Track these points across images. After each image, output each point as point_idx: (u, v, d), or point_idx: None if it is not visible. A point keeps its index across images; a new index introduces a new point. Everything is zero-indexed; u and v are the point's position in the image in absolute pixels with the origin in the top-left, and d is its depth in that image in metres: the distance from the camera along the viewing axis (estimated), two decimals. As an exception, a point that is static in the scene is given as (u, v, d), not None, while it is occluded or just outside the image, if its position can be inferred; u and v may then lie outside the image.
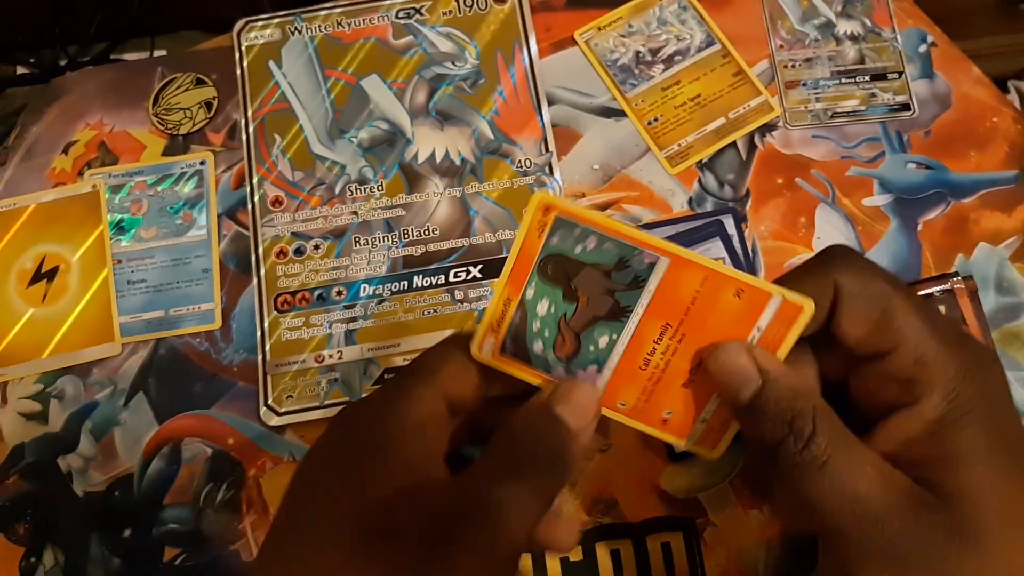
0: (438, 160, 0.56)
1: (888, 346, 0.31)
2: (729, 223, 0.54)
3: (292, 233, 0.55)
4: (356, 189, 0.56)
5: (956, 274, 0.52)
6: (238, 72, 0.59)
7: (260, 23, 0.60)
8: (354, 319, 0.53)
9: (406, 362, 0.52)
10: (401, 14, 0.60)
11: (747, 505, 0.49)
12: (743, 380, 0.31)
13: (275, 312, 0.54)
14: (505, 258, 0.52)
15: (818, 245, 0.54)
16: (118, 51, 0.79)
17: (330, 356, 0.53)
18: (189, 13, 0.80)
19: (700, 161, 0.56)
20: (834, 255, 0.33)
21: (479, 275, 0.54)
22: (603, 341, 0.34)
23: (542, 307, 0.34)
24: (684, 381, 0.35)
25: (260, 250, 0.55)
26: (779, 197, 0.55)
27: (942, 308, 0.50)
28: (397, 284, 0.54)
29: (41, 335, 0.55)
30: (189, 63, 0.61)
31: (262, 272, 0.55)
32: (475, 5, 0.60)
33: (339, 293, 0.54)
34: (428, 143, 0.57)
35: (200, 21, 0.79)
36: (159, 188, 0.57)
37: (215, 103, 0.59)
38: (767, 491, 0.35)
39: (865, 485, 0.29)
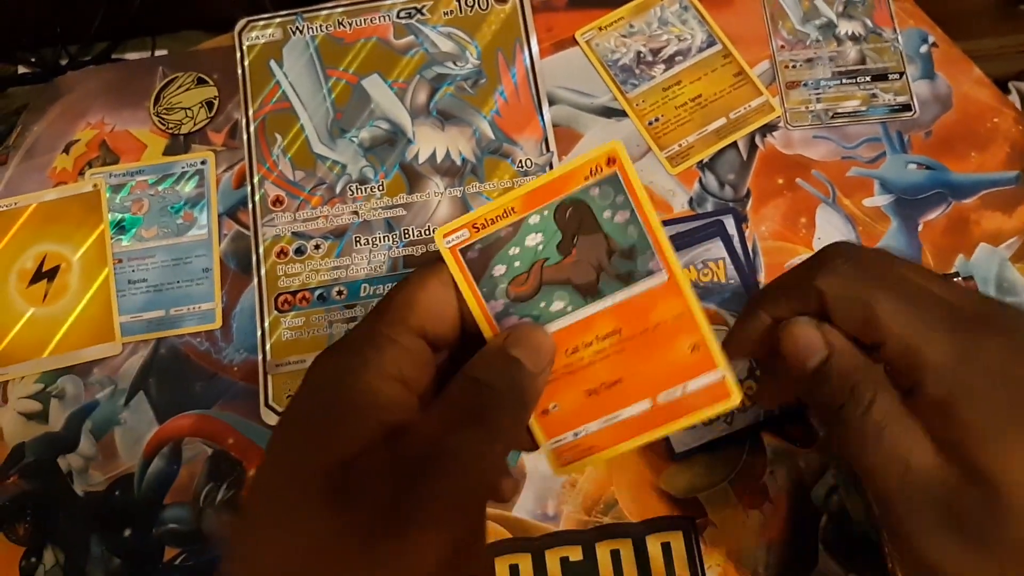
0: (439, 160, 0.56)
1: (878, 340, 0.32)
2: (730, 223, 0.53)
3: (293, 233, 0.55)
4: (357, 189, 0.56)
5: (956, 275, 0.52)
6: (239, 72, 0.59)
7: (261, 23, 0.60)
8: (355, 319, 0.53)
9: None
10: (402, 14, 0.60)
11: (747, 505, 0.49)
12: (812, 349, 0.33)
13: (276, 312, 0.54)
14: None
15: (818, 245, 0.54)
16: (119, 51, 0.79)
17: (330, 356, 0.53)
18: (190, 13, 0.80)
19: (701, 161, 0.56)
20: (821, 262, 0.34)
21: (480, 275, 0.54)
22: (557, 305, 0.34)
23: (532, 239, 0.33)
24: (591, 388, 0.34)
25: (261, 250, 0.55)
26: (780, 197, 0.55)
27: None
28: (398, 284, 0.54)
29: (42, 334, 0.55)
30: (190, 63, 0.61)
31: (263, 272, 0.55)
32: (476, 5, 0.60)
33: (340, 293, 0.54)
34: (429, 143, 0.57)
35: (202, 21, 0.79)
36: (160, 187, 0.57)
37: (216, 102, 0.59)
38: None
39: (918, 455, 0.30)
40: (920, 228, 0.54)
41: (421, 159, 0.57)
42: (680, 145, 0.56)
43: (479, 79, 0.58)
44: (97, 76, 0.62)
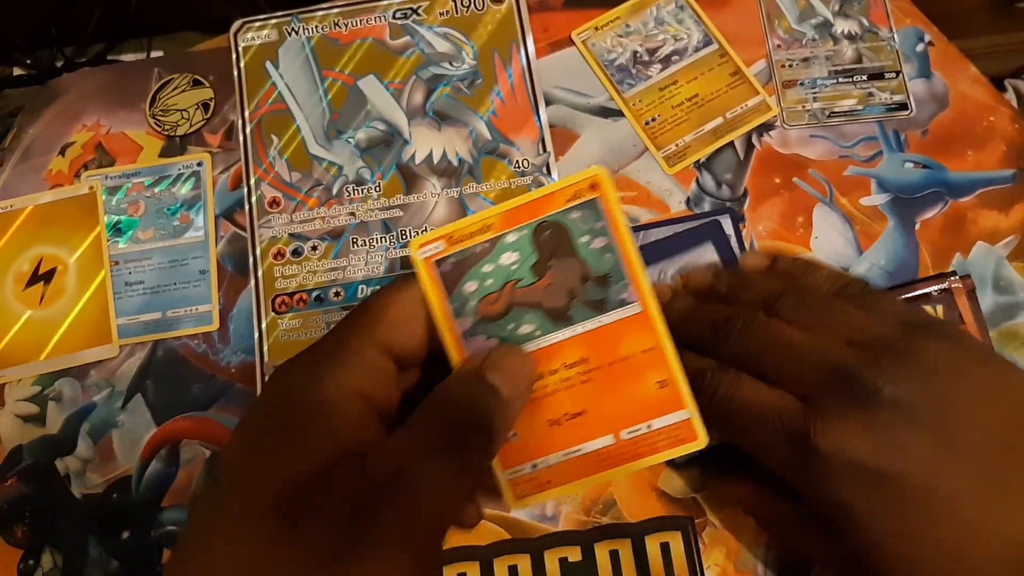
0: (435, 161, 0.56)
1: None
2: (727, 223, 0.53)
3: (289, 234, 0.55)
4: (353, 190, 0.56)
5: (954, 273, 0.52)
6: (235, 73, 0.59)
7: (257, 24, 0.60)
8: (352, 320, 0.53)
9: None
10: (398, 14, 0.60)
11: (746, 505, 0.49)
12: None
13: (273, 313, 0.54)
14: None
15: (816, 245, 0.54)
16: (115, 52, 0.79)
17: (328, 357, 0.52)
18: (186, 14, 0.80)
19: (698, 161, 0.56)
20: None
21: (477, 276, 0.54)
22: (526, 329, 0.33)
23: (507, 258, 0.33)
24: (553, 419, 0.34)
25: (258, 251, 0.55)
26: (777, 197, 0.55)
27: (939, 308, 0.50)
28: (395, 285, 0.54)
29: (39, 337, 0.54)
30: (186, 64, 0.61)
31: (260, 273, 0.55)
32: (472, 5, 0.60)
33: (337, 294, 0.54)
34: (425, 143, 0.57)
35: (197, 22, 0.79)
36: (156, 189, 0.57)
37: (212, 104, 0.59)
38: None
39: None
40: (917, 227, 0.54)
41: (418, 160, 0.57)
42: (677, 145, 0.56)
43: (475, 79, 0.58)
44: (92, 78, 0.62)
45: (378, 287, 0.34)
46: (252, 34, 0.60)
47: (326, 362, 0.31)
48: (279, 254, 0.55)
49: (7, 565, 0.51)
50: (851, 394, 0.34)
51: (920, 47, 0.58)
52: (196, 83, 0.60)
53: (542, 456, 0.34)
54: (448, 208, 0.55)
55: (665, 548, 0.48)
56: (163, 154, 0.58)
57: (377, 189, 0.56)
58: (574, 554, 0.48)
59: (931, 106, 0.57)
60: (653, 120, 0.57)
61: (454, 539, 0.49)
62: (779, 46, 0.59)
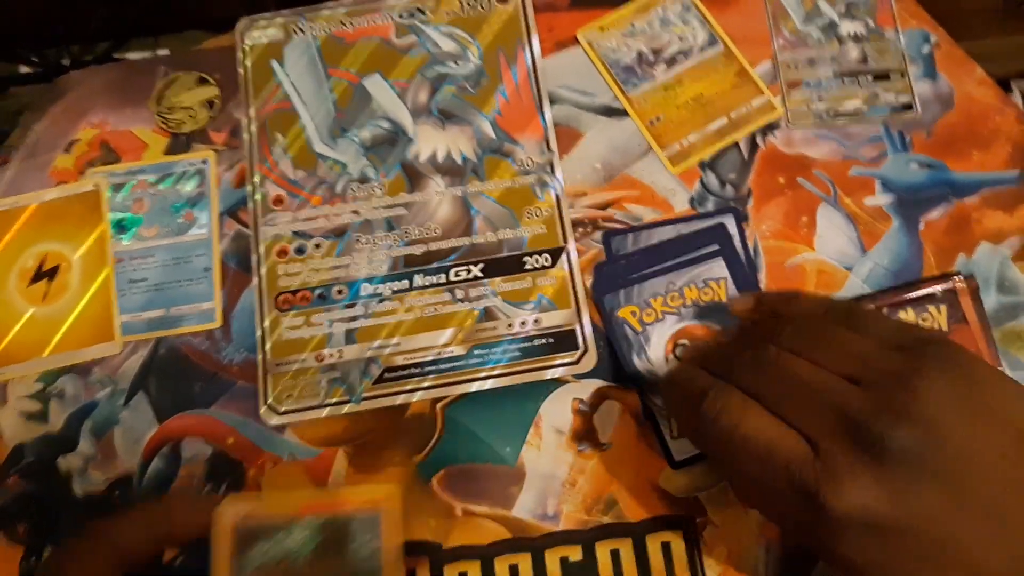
0: (440, 159, 0.56)
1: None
2: (730, 223, 0.53)
3: (293, 232, 0.55)
4: (357, 188, 0.56)
5: (957, 273, 0.52)
6: (240, 71, 0.59)
7: (263, 23, 0.60)
8: (355, 318, 0.53)
9: (407, 361, 0.52)
10: (404, 14, 0.60)
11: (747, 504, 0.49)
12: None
13: (276, 311, 0.54)
14: (505, 256, 0.53)
15: (819, 244, 0.54)
16: (121, 50, 0.79)
17: (331, 355, 0.52)
18: (193, 13, 0.80)
19: (702, 161, 0.56)
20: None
21: (480, 274, 0.54)
22: None
23: (292, 539, 0.36)
24: None
25: (261, 249, 0.55)
26: (781, 196, 0.55)
27: (943, 307, 0.50)
28: (398, 283, 0.54)
29: (42, 334, 0.55)
30: (192, 62, 0.61)
31: (263, 271, 0.55)
32: (478, 5, 0.60)
33: (340, 292, 0.54)
34: (430, 142, 0.57)
35: (203, 20, 0.80)
36: (161, 187, 0.57)
37: (217, 102, 0.59)
38: None
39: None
40: (921, 227, 0.54)
41: (422, 158, 0.57)
42: (681, 144, 0.56)
43: (480, 78, 0.58)
44: (98, 76, 0.62)
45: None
46: (258, 32, 0.60)
47: None
48: (282, 252, 0.55)
49: (9, 562, 0.51)
50: (860, 445, 0.34)
51: (926, 48, 0.58)
52: (202, 81, 0.60)
53: None
54: (452, 207, 0.55)
55: (666, 547, 0.48)
56: (168, 152, 0.58)
57: (381, 187, 0.56)
58: (575, 553, 0.48)
59: (936, 107, 0.57)
60: (658, 120, 0.57)
61: (454, 538, 0.49)
62: (784, 46, 0.58)
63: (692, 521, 0.49)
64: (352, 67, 0.59)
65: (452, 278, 0.54)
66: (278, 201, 0.56)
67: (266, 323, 0.53)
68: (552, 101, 0.58)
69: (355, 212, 0.55)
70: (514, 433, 0.51)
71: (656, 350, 0.51)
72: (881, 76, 0.58)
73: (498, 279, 0.53)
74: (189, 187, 0.57)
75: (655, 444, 0.50)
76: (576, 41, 0.59)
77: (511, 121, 0.57)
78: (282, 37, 0.60)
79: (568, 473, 0.50)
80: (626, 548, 0.48)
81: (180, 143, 0.59)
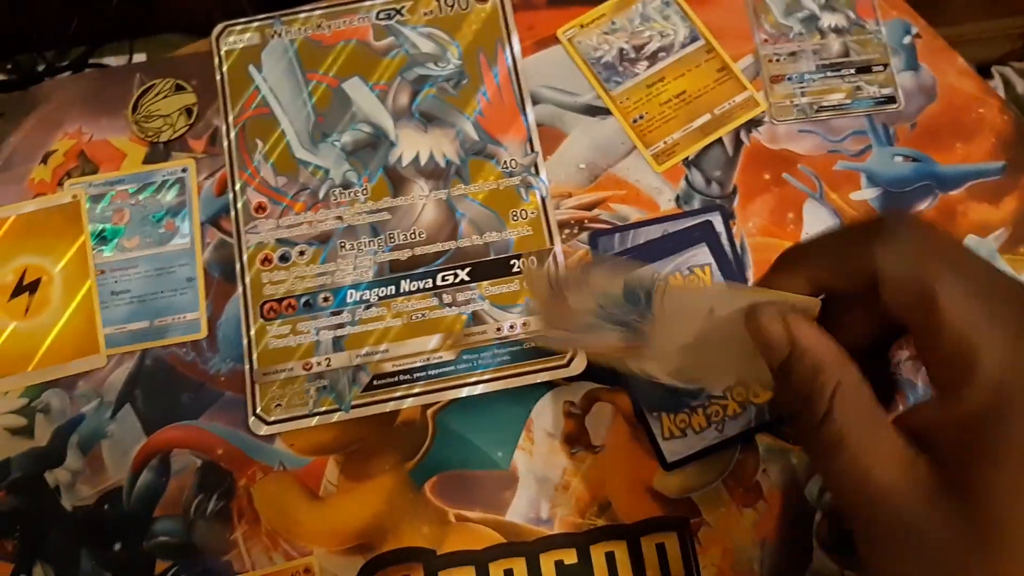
0: (422, 162, 0.56)
1: (932, 327, 0.28)
2: (717, 221, 0.53)
3: (277, 240, 0.55)
4: (340, 193, 0.55)
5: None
6: (218, 77, 0.58)
7: (239, 27, 0.59)
8: (341, 325, 0.53)
9: (395, 367, 0.52)
10: (381, 15, 0.59)
11: (741, 504, 0.49)
12: (773, 346, 0.31)
13: (261, 320, 0.53)
14: (492, 260, 0.52)
15: (806, 240, 0.54)
16: (97, 55, 0.78)
17: (318, 363, 0.52)
18: (168, 16, 0.79)
19: (686, 158, 0.56)
20: (881, 230, 0.31)
21: (467, 278, 0.53)
22: None
23: None
24: None
25: (244, 257, 0.54)
26: (767, 193, 0.55)
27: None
28: (384, 289, 0.53)
29: (25, 348, 0.54)
30: (168, 69, 0.60)
31: (247, 280, 0.54)
32: (456, 5, 0.59)
33: (326, 299, 0.53)
34: (412, 145, 0.56)
35: (180, 24, 0.79)
36: (141, 197, 0.57)
37: (195, 109, 0.59)
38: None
39: (880, 470, 0.28)
40: (907, 221, 0.54)
41: (404, 162, 0.56)
42: (665, 142, 0.56)
43: (461, 80, 0.58)
44: (73, 84, 0.61)
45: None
46: (234, 37, 0.59)
47: None
48: (266, 260, 0.54)
49: (-2, 580, 0.51)
50: None
51: (907, 39, 0.58)
52: (179, 88, 0.59)
53: None
54: (436, 211, 0.55)
55: (661, 549, 0.48)
56: (147, 161, 0.58)
57: (364, 192, 0.55)
58: (570, 556, 0.48)
59: (919, 99, 0.57)
60: (641, 118, 0.57)
61: (448, 544, 0.49)
62: (766, 41, 0.58)
63: (687, 522, 0.49)
64: (331, 71, 0.58)
65: (439, 283, 0.53)
66: (260, 208, 0.55)
67: (252, 332, 0.53)
68: (534, 101, 0.57)
69: (339, 218, 0.55)
70: (506, 437, 0.51)
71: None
72: (863, 68, 0.57)
73: (485, 283, 0.53)
74: (170, 196, 0.57)
75: (648, 445, 0.50)
76: (557, 39, 0.59)
77: (494, 122, 0.57)
78: (259, 41, 0.59)
79: (561, 476, 0.50)
80: (621, 550, 0.48)
81: (159, 152, 0.58)
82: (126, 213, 0.56)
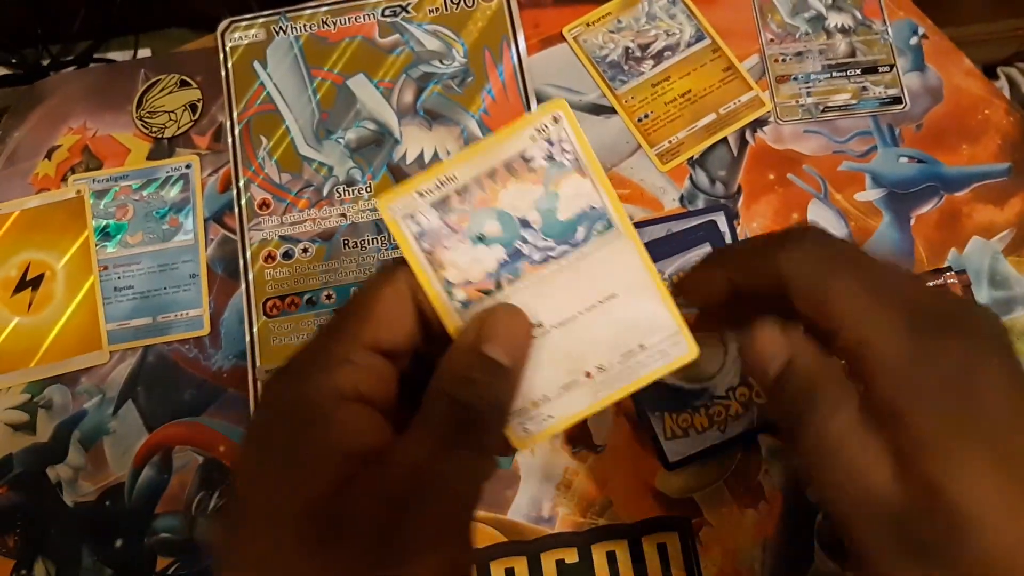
0: (427, 160, 0.56)
1: (832, 328, 0.30)
2: (721, 221, 0.53)
3: (280, 236, 0.55)
4: (344, 191, 0.55)
5: (949, 269, 0.51)
6: (223, 73, 0.58)
7: (244, 23, 0.59)
8: (344, 323, 0.53)
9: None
10: (387, 12, 0.59)
11: (742, 504, 0.49)
12: (771, 356, 0.31)
13: (264, 317, 0.53)
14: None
15: (811, 241, 0.53)
16: (102, 50, 0.78)
17: (321, 361, 0.52)
18: (174, 11, 0.79)
19: (691, 158, 0.55)
20: (787, 237, 0.33)
21: (470, 276, 0.53)
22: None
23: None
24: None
25: (248, 254, 0.54)
26: (771, 193, 0.55)
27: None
28: (387, 287, 0.53)
29: (27, 344, 0.54)
30: (173, 64, 0.60)
31: (250, 276, 0.54)
32: (462, 2, 0.59)
33: (329, 297, 0.53)
34: (416, 143, 0.56)
35: (185, 19, 0.79)
36: (145, 192, 0.57)
37: (200, 105, 0.58)
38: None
39: (876, 474, 0.28)
40: (912, 222, 0.54)
41: (409, 160, 0.56)
42: (670, 142, 0.56)
43: (466, 77, 0.58)
44: (78, 80, 0.61)
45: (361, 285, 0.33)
46: (239, 34, 0.59)
47: (317, 374, 0.30)
48: (270, 257, 0.54)
49: (0, 575, 0.50)
50: None
51: (914, 40, 0.58)
52: (183, 84, 0.59)
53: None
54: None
55: (662, 548, 0.48)
56: (151, 156, 0.58)
57: (368, 190, 0.55)
58: (571, 556, 0.48)
59: (925, 100, 0.57)
60: (646, 117, 0.56)
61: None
62: (772, 40, 0.58)
63: (688, 522, 0.49)
64: (335, 67, 0.58)
65: (442, 281, 0.53)
66: (264, 205, 0.55)
67: (255, 329, 0.53)
68: (539, 99, 0.57)
69: (342, 215, 0.55)
70: (507, 436, 0.51)
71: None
72: (869, 69, 0.57)
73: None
74: (173, 192, 0.57)
75: (649, 445, 0.50)
76: (562, 38, 0.59)
77: (498, 120, 0.57)
78: (264, 38, 0.59)
79: (563, 476, 0.50)
80: (622, 550, 0.48)
81: (163, 148, 0.58)
82: (130, 209, 0.56)
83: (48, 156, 0.58)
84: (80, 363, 0.54)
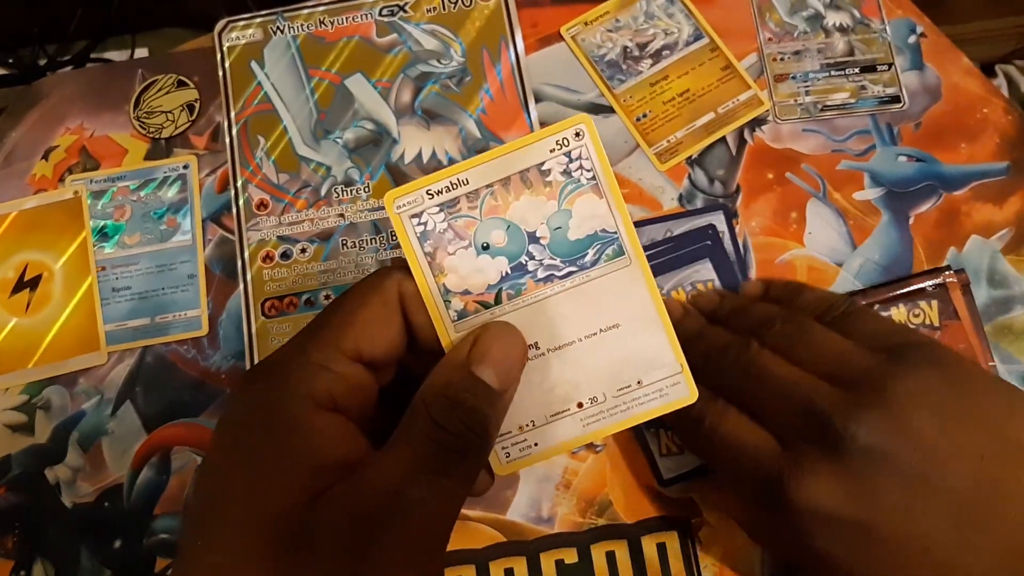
0: (425, 160, 0.56)
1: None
2: (719, 220, 0.53)
3: (278, 237, 0.55)
4: (342, 191, 0.55)
5: (948, 268, 0.51)
6: (220, 73, 0.58)
7: (242, 23, 0.59)
8: (343, 323, 0.53)
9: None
10: (385, 11, 0.59)
11: (742, 504, 0.49)
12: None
13: (262, 317, 0.53)
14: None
15: (809, 240, 0.53)
16: (99, 50, 0.78)
17: (319, 361, 0.52)
18: (171, 10, 0.79)
19: (690, 157, 0.55)
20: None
21: (468, 276, 0.53)
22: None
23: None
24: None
25: (246, 255, 0.54)
26: (770, 192, 0.55)
27: (934, 303, 0.50)
28: (386, 287, 0.53)
29: (25, 345, 0.54)
30: (170, 65, 0.60)
31: (248, 277, 0.54)
32: (459, 1, 0.59)
33: (327, 297, 0.53)
34: (414, 143, 0.56)
35: (182, 18, 0.78)
36: (142, 193, 0.56)
37: (197, 105, 0.58)
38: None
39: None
40: (911, 221, 0.54)
41: (407, 159, 0.56)
42: (669, 141, 0.56)
43: (464, 77, 0.58)
44: (75, 80, 0.61)
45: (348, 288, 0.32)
46: (237, 33, 0.59)
47: (292, 378, 0.29)
48: (268, 257, 0.54)
49: (-2, 576, 0.50)
50: (824, 440, 0.34)
51: (912, 39, 0.58)
52: (181, 84, 0.59)
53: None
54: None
55: (662, 548, 0.48)
56: (148, 157, 0.57)
57: (366, 190, 0.55)
58: (570, 556, 0.48)
59: (924, 98, 0.57)
60: (644, 116, 0.56)
61: (449, 543, 0.49)
62: (770, 39, 0.58)
63: (687, 521, 0.49)
64: (333, 67, 0.58)
65: (441, 281, 0.53)
66: (262, 205, 0.55)
67: (253, 330, 0.53)
68: (537, 99, 0.57)
69: (341, 215, 0.55)
70: (506, 437, 0.51)
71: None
72: (868, 68, 0.57)
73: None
74: (171, 193, 0.56)
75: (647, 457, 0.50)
76: (560, 37, 0.59)
77: (496, 120, 0.56)
78: (261, 37, 0.59)
79: (562, 476, 0.50)
80: (622, 550, 0.48)
81: (160, 148, 0.58)
82: (127, 209, 0.56)
83: (45, 156, 0.58)
84: (78, 364, 0.54)
